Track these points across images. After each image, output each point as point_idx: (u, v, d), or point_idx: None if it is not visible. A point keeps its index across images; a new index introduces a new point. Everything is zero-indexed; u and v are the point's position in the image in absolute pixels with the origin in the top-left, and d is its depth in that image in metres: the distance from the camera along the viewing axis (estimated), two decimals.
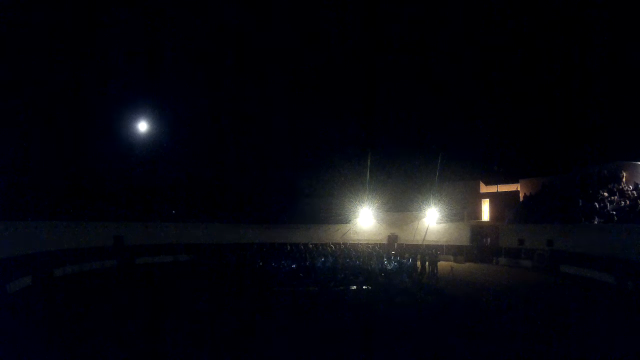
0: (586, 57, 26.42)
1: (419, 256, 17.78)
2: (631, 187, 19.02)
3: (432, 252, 17.84)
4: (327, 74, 33.98)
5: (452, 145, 31.12)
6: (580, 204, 19.48)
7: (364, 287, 14.30)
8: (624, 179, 19.93)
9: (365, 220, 27.97)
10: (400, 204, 28.29)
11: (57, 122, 23.53)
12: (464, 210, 25.82)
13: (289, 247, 22.76)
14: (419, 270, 17.14)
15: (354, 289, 14.12)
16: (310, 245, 22.58)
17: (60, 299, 12.91)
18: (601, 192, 19.52)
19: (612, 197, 18.84)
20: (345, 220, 28.20)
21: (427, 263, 17.34)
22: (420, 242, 25.41)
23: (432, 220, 26.23)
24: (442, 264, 19.22)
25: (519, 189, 25.45)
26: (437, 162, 27.16)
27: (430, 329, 9.47)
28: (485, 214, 25.95)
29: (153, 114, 26.70)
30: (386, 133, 34.63)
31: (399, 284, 14.74)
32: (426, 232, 26.26)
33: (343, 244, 24.98)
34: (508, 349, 8.02)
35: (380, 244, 25.49)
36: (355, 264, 16.04)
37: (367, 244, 24.74)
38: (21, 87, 21.38)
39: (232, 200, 29.60)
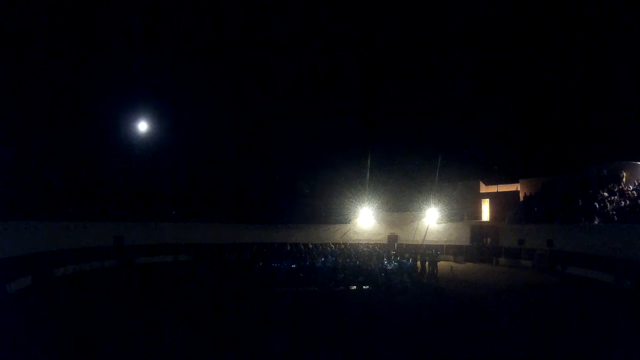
0: (586, 56, 26.44)
1: (419, 256, 17.78)
2: (631, 187, 19.02)
3: (432, 252, 17.84)
4: (327, 73, 34.00)
5: (452, 145, 31.11)
6: (580, 204, 19.48)
7: (364, 287, 14.31)
8: (624, 179, 19.92)
9: (365, 220, 27.97)
10: (400, 204, 28.28)
11: (57, 122, 23.51)
12: (464, 210, 25.80)
13: (289, 247, 22.76)
14: (419, 270, 17.14)
15: (354, 289, 14.13)
16: (310, 245, 22.56)
17: (60, 299, 12.91)
18: (601, 192, 19.52)
19: (612, 197, 18.83)
20: (345, 220, 28.20)
21: (427, 263, 17.34)
22: (420, 242, 25.40)
23: (432, 220, 26.23)
24: (442, 264, 19.21)
25: (519, 189, 25.42)
26: (437, 162, 27.16)
27: (430, 329, 9.47)
28: (485, 214, 25.94)
29: (153, 114, 26.72)
30: (386, 133, 34.62)
31: (399, 284, 14.74)
32: (426, 232, 26.26)
33: (343, 244, 24.95)
34: (508, 349, 8.02)
35: (380, 244, 25.48)
36: (355, 264, 16.04)
37: (367, 244, 24.73)
38: (21, 86, 21.37)
39: (232, 200, 29.59)
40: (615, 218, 17.28)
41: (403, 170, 29.72)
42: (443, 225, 25.83)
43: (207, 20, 29.35)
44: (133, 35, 26.19)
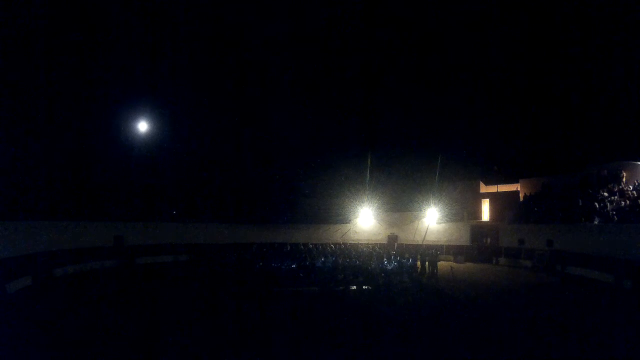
0: (586, 56, 26.44)
1: (419, 256, 17.80)
2: (631, 187, 19.01)
3: (432, 252, 17.85)
4: (327, 73, 34.02)
5: (452, 145, 31.13)
6: (580, 204, 19.47)
7: (364, 287, 14.31)
8: (624, 179, 19.92)
9: (365, 220, 27.97)
10: (400, 204, 28.28)
11: (58, 122, 23.53)
12: (464, 210, 25.81)
13: (289, 247, 22.77)
14: (419, 270, 17.15)
15: (354, 289, 14.12)
16: (310, 245, 22.57)
17: (60, 299, 12.91)
18: (601, 192, 19.52)
19: (612, 197, 18.83)
20: (345, 220, 28.20)
21: (427, 263, 17.35)
22: (420, 242, 25.40)
23: (432, 220, 26.23)
24: (442, 264, 19.23)
25: (519, 189, 25.42)
26: (437, 162, 27.18)
27: (430, 329, 9.47)
28: (485, 214, 25.94)
29: (153, 114, 26.72)
30: (386, 133, 34.63)
31: (399, 284, 14.75)
32: (426, 232, 26.26)
33: (343, 244, 24.96)
34: (508, 349, 8.02)
35: (380, 244, 25.48)
36: (355, 264, 16.05)
37: (367, 244, 24.74)
38: (21, 86, 21.38)
39: (232, 200, 29.58)
40: (615, 218, 17.28)
41: (403, 170, 29.75)
42: (443, 225, 25.83)
43: (208, 20, 29.37)
44: (133, 35, 26.22)
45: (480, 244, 23.75)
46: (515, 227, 22.24)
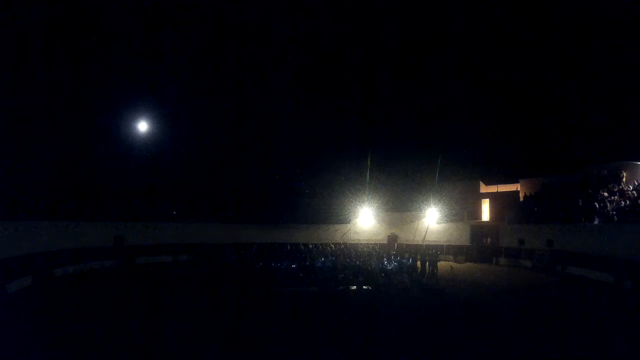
0: (586, 56, 26.43)
1: (419, 256, 17.80)
2: (631, 187, 19.01)
3: (432, 252, 17.86)
4: (327, 73, 34.00)
5: (452, 145, 31.12)
6: (580, 204, 19.48)
7: (364, 287, 14.31)
8: (624, 179, 19.92)
9: (365, 220, 27.97)
10: (400, 204, 28.29)
11: (58, 122, 23.54)
12: (464, 210, 25.81)
13: (289, 247, 22.79)
14: (419, 270, 17.15)
15: (354, 289, 14.13)
16: (310, 245, 22.59)
17: (60, 299, 12.91)
18: (601, 192, 19.52)
19: (612, 197, 18.83)
20: (345, 220, 28.21)
21: (427, 263, 17.35)
22: (420, 242, 25.41)
23: (432, 220, 26.23)
24: (442, 264, 19.22)
25: (519, 189, 25.44)
26: (437, 162, 27.19)
27: (430, 329, 9.46)
28: (485, 214, 25.94)
29: (153, 114, 26.73)
30: (386, 133, 34.63)
31: (399, 284, 14.75)
32: (426, 232, 26.26)
33: (343, 244, 24.97)
34: (508, 349, 8.02)
35: (380, 244, 25.49)
36: (355, 264, 16.06)
37: (367, 244, 24.75)
38: (22, 87, 21.38)
39: (232, 200, 29.59)
40: (615, 218, 17.28)
41: (403, 170, 29.75)
42: (443, 225, 25.83)
43: (208, 20, 29.35)
44: (134, 35, 26.21)
45: (480, 244, 23.76)
46: (515, 227, 22.24)
